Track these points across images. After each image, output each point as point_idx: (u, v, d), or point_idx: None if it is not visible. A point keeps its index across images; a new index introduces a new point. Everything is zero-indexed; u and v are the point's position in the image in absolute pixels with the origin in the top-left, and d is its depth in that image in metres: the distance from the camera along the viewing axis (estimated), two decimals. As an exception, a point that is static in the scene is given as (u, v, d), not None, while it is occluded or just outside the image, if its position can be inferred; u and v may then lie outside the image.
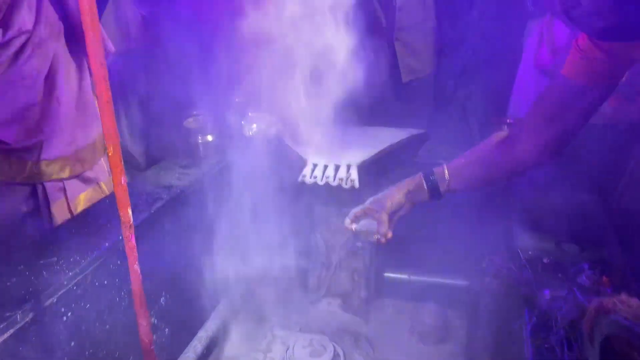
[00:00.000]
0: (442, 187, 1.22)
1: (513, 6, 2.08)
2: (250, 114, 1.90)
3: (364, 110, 1.59)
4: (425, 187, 1.23)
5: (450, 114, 1.83)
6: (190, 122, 1.75)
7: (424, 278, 1.67)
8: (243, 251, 1.42)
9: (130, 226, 0.93)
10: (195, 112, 1.83)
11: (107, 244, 1.15)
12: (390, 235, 1.23)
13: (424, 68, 2.23)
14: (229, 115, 1.91)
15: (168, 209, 1.39)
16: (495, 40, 2.00)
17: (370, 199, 1.26)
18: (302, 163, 1.49)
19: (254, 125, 1.89)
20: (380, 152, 1.49)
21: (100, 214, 1.27)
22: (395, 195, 1.24)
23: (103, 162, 1.52)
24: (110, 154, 0.88)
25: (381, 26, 2.10)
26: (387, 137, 1.58)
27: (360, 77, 1.43)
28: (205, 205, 1.48)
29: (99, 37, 0.82)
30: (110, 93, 0.86)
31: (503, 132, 1.19)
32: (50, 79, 1.28)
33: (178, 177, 1.55)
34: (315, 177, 1.42)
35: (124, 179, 0.92)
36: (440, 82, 2.23)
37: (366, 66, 1.42)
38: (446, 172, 1.22)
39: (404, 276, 1.70)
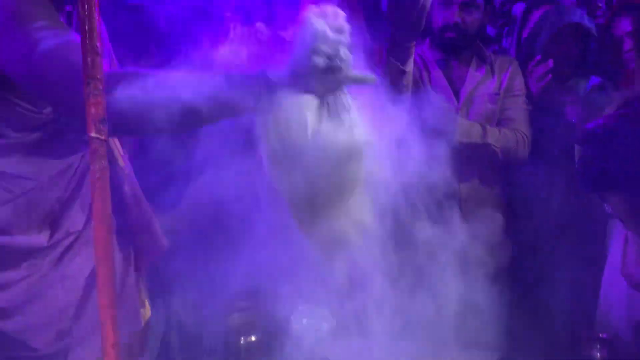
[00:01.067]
0: None
1: (593, 206, 1.92)
2: (300, 307, 1.74)
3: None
4: None
5: (530, 328, 1.60)
6: (234, 319, 1.59)
7: None
8: None
9: None
10: (241, 304, 1.69)
11: None
12: None
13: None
14: (276, 309, 1.75)
15: None
16: (575, 242, 1.82)
17: None
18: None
19: (304, 320, 1.72)
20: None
21: None
22: None
23: None
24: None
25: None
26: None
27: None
28: None
29: (110, 263, 0.73)
30: (118, 334, 0.76)
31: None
32: (91, 277, 1.17)
33: (211, 391, 1.35)
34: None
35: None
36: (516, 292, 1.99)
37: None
38: None
39: None
